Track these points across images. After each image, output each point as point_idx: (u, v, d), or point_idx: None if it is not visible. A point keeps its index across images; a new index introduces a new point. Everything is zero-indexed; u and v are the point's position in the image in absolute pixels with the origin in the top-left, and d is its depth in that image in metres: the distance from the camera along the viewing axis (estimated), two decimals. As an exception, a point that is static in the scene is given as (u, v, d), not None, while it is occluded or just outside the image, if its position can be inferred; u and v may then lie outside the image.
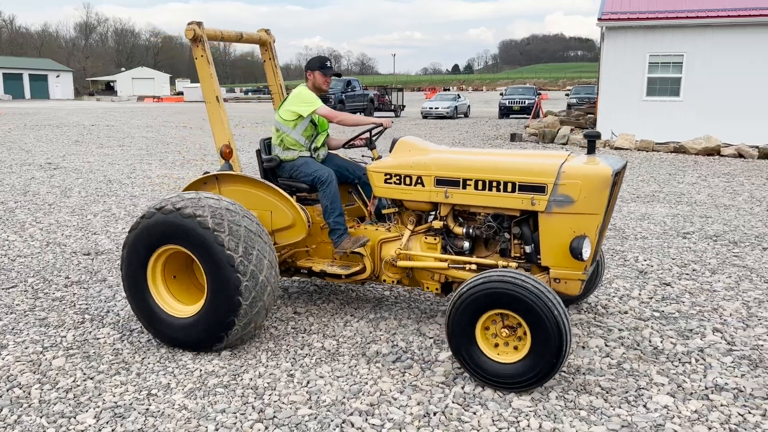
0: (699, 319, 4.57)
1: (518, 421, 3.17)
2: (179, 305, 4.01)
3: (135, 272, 3.97)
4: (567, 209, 3.65)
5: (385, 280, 4.31)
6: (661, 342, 4.16)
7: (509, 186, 3.79)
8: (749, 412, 3.26)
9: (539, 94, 33.60)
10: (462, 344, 3.45)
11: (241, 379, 3.63)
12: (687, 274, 5.64)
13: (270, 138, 4.79)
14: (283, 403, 3.37)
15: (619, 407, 3.30)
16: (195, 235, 3.70)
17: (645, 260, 6.07)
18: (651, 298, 5.02)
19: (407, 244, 4.20)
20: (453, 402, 3.35)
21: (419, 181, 4.05)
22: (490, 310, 3.38)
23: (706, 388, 3.52)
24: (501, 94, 35.55)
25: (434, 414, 3.24)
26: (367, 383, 3.58)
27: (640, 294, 5.11)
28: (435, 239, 4.16)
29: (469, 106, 35.37)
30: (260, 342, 4.15)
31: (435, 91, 56.94)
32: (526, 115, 29.03)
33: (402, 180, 4.10)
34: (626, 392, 3.46)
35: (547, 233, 3.73)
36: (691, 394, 3.46)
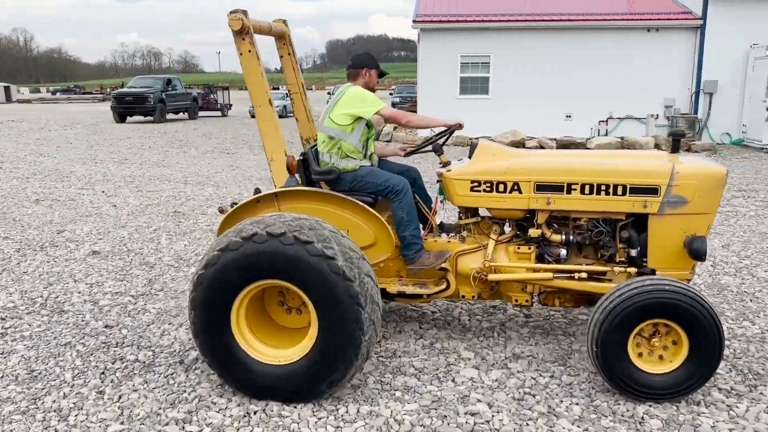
0: (502, 296, 5.02)
1: (337, 409, 3.27)
2: (270, 350, 3.38)
3: (215, 317, 3.27)
4: (680, 210, 3.60)
5: (464, 296, 3.99)
6: (469, 320, 4.51)
7: (619, 189, 3.64)
8: (540, 375, 3.66)
9: (365, 92, 34.49)
10: (613, 358, 3.24)
11: (43, 403, 3.35)
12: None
13: (314, 145, 4.23)
14: (92, 422, 3.16)
15: (431, 384, 3.53)
16: (304, 265, 3.09)
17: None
18: (462, 281, 5.42)
19: (493, 255, 3.91)
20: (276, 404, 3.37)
21: (516, 187, 3.76)
22: (646, 320, 3.23)
23: (506, 358, 3.89)
24: (329, 93, 36.02)
25: (254, 413, 3.23)
26: (185, 391, 3.47)
27: (452, 278, 5.49)
28: (529, 248, 3.87)
29: (297, 105, 35.37)
30: (64, 361, 3.85)
31: (263, 90, 56.10)
32: (353, 114, 29.66)
33: (494, 187, 3.79)
34: (437, 369, 3.72)
35: (658, 235, 3.66)
36: (493, 364, 3.80)
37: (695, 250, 3.55)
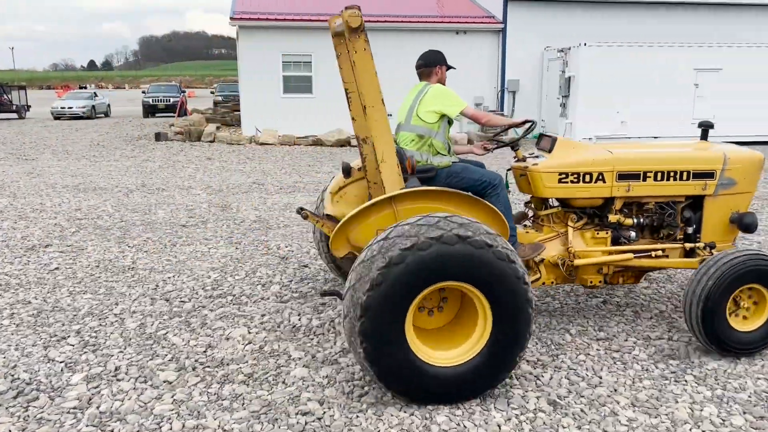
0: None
1: (160, 427, 3.07)
2: (435, 352, 3.26)
3: (389, 319, 3.07)
4: (730, 191, 4.24)
5: (544, 283, 4.17)
6: (299, 319, 4.49)
7: (685, 175, 4.19)
8: (369, 367, 3.75)
9: (184, 91, 33.02)
10: (713, 318, 3.67)
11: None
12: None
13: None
14: None
15: (261, 388, 3.46)
16: (491, 268, 3.10)
17: (287, 247, 6.48)
18: (291, 281, 5.39)
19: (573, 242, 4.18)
20: (87, 425, 3.09)
21: (600, 177, 4.12)
22: (746, 285, 3.70)
23: (336, 353, 3.92)
24: (143, 92, 33.90)
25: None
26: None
27: (281, 278, 5.44)
28: (606, 233, 4.23)
29: (108, 105, 32.89)
30: None
31: (68, 89, 51.48)
32: (171, 114, 28.25)
33: (581, 178, 4.10)
34: (266, 373, 3.65)
35: (712, 213, 4.27)
36: (323, 361, 3.81)
37: (747, 225, 4.27)
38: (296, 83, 17.98)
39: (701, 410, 3.24)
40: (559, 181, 4.13)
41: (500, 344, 3.24)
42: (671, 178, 4.21)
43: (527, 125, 4.34)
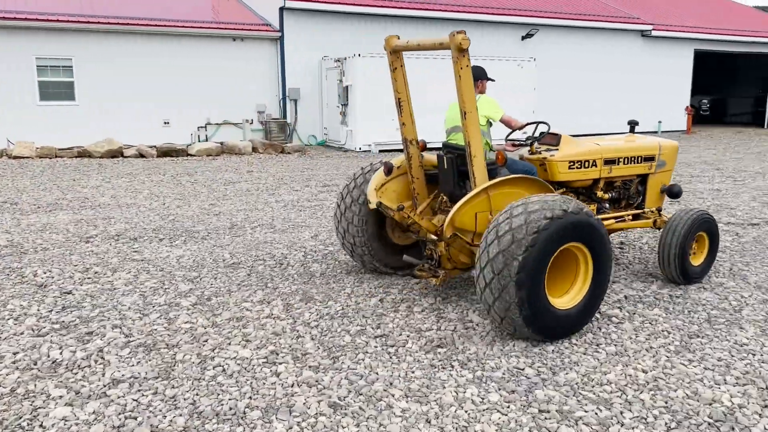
0: (99, 320, 4.64)
1: None
2: (554, 299, 4.18)
3: (536, 271, 3.93)
4: (663, 169, 5.96)
5: None
6: (61, 353, 4.05)
7: (640, 159, 5.75)
8: (143, 395, 3.51)
9: None
10: (683, 258, 5.22)
11: None
12: (89, 278, 5.66)
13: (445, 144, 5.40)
14: None
15: (11, 438, 3.05)
16: (596, 232, 4.19)
17: (45, 272, 5.81)
18: (51, 310, 4.84)
19: None
20: None
21: (594, 163, 5.44)
22: (697, 233, 5.31)
23: (104, 386, 3.61)
24: None
25: None
26: None
27: (39, 309, 4.86)
28: (593, 206, 5.51)
29: None
30: None
31: None
32: None
33: (582, 164, 5.37)
34: (19, 418, 3.23)
35: (652, 186, 5.94)
36: (89, 396, 3.48)
37: (676, 193, 5.94)
38: (55, 89, 16.24)
39: (464, 392, 3.57)
40: (569, 168, 5.33)
41: (594, 290, 4.29)
42: (633, 162, 5.73)
43: (542, 128, 5.58)
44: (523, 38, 21.95)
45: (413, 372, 3.81)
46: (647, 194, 5.93)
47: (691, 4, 30.61)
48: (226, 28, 17.84)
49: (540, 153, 5.35)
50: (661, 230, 5.40)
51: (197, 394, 3.52)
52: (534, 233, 3.89)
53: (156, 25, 16.84)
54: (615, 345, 4.21)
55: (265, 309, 4.88)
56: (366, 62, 17.03)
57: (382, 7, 19.26)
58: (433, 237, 4.86)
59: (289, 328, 4.49)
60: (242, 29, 18.02)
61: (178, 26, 17.10)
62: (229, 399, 3.47)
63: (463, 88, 4.38)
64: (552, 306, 4.07)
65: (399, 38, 4.85)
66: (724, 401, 3.48)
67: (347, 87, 17.35)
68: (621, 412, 3.37)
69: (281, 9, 18.07)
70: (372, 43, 19.10)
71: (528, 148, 5.47)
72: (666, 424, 3.26)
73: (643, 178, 5.91)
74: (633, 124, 6.25)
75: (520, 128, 5.53)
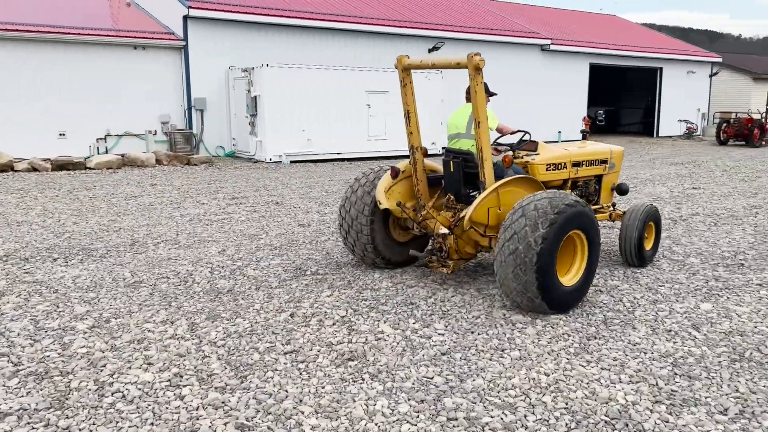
0: (-17, 348, 4.30)
1: None
2: (562, 278, 5.05)
3: (552, 254, 4.77)
4: (613, 171, 6.96)
5: None
6: (-63, 388, 3.71)
7: (598, 161, 6.71)
8: (33, 428, 3.27)
9: None
10: (640, 243, 6.31)
11: None
12: (-28, 303, 5.23)
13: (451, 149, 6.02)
14: None
15: None
16: (592, 221, 5.16)
17: None
18: (-73, 341, 4.42)
19: None
20: None
21: (565, 166, 6.33)
22: (649, 222, 6.43)
23: (-12, 421, 3.34)
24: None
25: None
26: None
27: None
28: None
29: None
30: None
31: None
32: None
33: (557, 166, 6.24)
34: None
35: (606, 185, 6.93)
36: (-30, 434, 3.21)
37: (624, 190, 6.97)
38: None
39: (375, 404, 3.57)
40: (546, 169, 6.15)
41: (588, 270, 5.17)
42: (593, 164, 6.67)
43: (522, 135, 6.28)
44: (430, 51, 22.44)
45: (323, 387, 3.77)
46: (602, 192, 6.97)
47: (586, 21, 32.46)
48: (126, 36, 17.13)
49: (522, 158, 6.14)
50: (622, 222, 6.47)
51: (94, 423, 3.32)
52: (553, 215, 4.78)
53: (48, 32, 15.90)
54: (519, 350, 4.35)
55: (169, 329, 4.69)
56: (275, 72, 16.84)
57: (289, 17, 19.16)
58: (444, 231, 5.55)
59: (194, 349, 4.33)
60: (144, 37, 17.36)
61: (72, 33, 16.22)
62: (129, 426, 3.30)
63: (478, 101, 5.18)
64: (560, 282, 4.95)
65: (409, 57, 5.67)
66: (619, 399, 3.66)
67: (256, 97, 17.07)
68: (525, 416, 3.48)
69: (185, 18, 17.58)
70: (282, 53, 18.94)
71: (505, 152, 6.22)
72: (566, 424, 3.39)
73: (599, 178, 6.92)
74: (584, 133, 7.96)
75: (512, 134, 6.22)
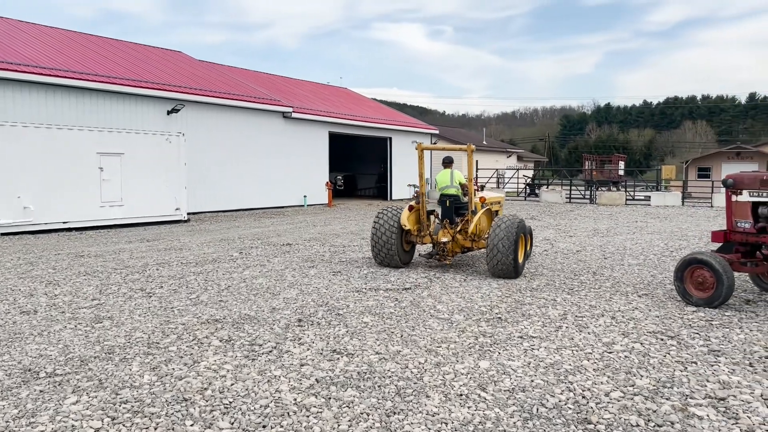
0: None
1: None
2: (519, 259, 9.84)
3: (516, 247, 9.40)
4: (501, 206, 12.22)
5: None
6: None
7: (500, 202, 11.93)
8: None
9: None
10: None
11: None
12: None
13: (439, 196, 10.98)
14: None
15: None
16: (528, 228, 10.25)
17: None
18: None
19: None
20: None
21: (499, 202, 11.78)
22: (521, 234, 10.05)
23: None
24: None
25: None
26: None
27: None
28: None
29: None
30: None
31: None
32: None
33: (495, 203, 11.37)
34: None
35: (499, 213, 11.87)
36: None
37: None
38: None
39: None
40: (485, 204, 10.68)
41: (526, 253, 10.12)
42: (498, 202, 11.65)
43: (476, 187, 12.57)
44: (168, 113, 21.33)
45: None
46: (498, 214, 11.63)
47: (325, 94, 34.26)
48: None
49: (475, 194, 10.92)
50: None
51: None
52: (516, 227, 9.30)
53: None
54: (320, 440, 3.86)
55: None
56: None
57: (6, 69, 16.61)
58: (445, 240, 10.05)
59: None
60: None
61: None
62: None
63: (469, 169, 10.10)
64: (519, 261, 9.44)
65: (422, 143, 10.92)
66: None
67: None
68: None
69: None
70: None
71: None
72: None
73: (497, 212, 11.58)
74: (482, 186, 12.38)
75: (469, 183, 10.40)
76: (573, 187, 37.27)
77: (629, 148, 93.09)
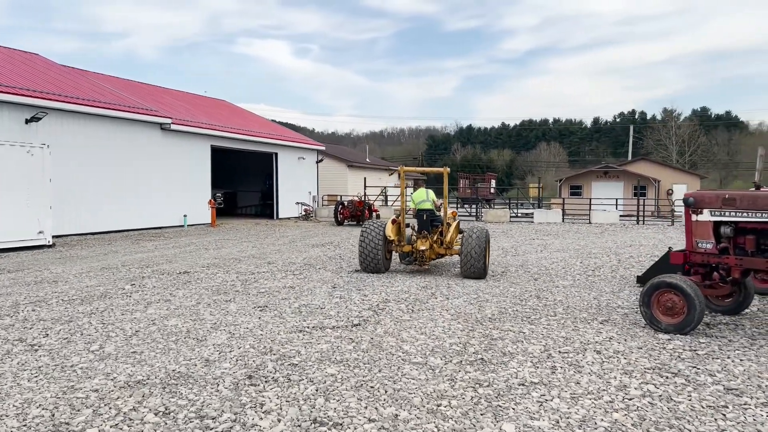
0: None
1: None
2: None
3: (485, 252, 11.33)
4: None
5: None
6: None
7: (454, 217, 13.27)
8: None
9: None
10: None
11: None
12: None
13: (416, 210, 12.28)
14: None
15: None
16: (489, 236, 15.48)
17: None
18: None
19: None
20: None
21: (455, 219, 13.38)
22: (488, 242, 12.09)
23: None
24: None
25: None
26: None
27: None
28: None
29: None
30: None
31: None
32: None
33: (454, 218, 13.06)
34: None
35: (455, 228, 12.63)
36: None
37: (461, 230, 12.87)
38: None
39: None
40: (453, 219, 12.83)
41: (489, 258, 12.35)
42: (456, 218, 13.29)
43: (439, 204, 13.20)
44: (27, 121, 18.50)
45: None
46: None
47: (203, 105, 32.01)
48: None
49: (439, 209, 12.61)
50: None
51: None
52: (483, 236, 11.13)
53: None
54: None
55: None
56: None
57: None
58: (423, 248, 11.72)
59: None
60: None
61: None
62: None
63: (444, 188, 12.42)
64: (486, 264, 11.26)
65: (403, 166, 13.17)
66: None
67: None
68: None
69: None
70: None
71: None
72: None
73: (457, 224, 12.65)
74: (439, 206, 12.47)
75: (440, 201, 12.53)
76: (457, 206, 37.84)
77: (493, 168, 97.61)
